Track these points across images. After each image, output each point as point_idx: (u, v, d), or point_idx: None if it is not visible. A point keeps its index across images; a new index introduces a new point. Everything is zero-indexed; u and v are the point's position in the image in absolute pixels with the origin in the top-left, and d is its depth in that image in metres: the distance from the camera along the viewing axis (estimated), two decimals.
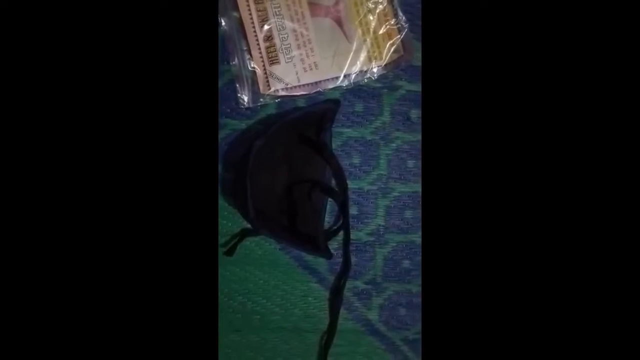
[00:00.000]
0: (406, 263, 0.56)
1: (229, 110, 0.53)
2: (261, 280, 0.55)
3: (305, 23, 0.52)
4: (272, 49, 0.52)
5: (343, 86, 0.53)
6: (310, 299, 0.56)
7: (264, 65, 0.52)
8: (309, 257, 0.55)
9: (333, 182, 0.54)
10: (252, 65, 0.52)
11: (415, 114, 0.54)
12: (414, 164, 0.55)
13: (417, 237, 0.56)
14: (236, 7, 0.51)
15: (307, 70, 0.52)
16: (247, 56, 0.52)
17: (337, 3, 0.52)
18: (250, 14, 0.51)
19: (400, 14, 0.52)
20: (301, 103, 0.53)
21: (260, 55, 0.52)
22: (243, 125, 0.53)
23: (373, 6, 0.52)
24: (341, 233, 0.54)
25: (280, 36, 0.52)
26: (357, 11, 0.52)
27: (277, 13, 0.51)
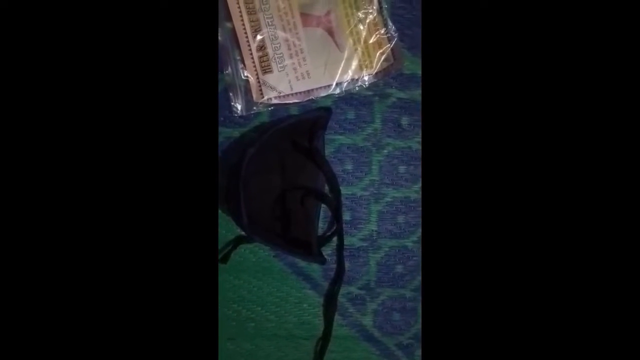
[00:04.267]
0: (399, 268, 0.56)
1: (222, 118, 0.53)
2: (255, 288, 0.55)
3: (297, 33, 0.53)
4: (264, 58, 0.53)
5: (335, 94, 0.54)
6: (304, 305, 0.56)
7: (257, 74, 0.53)
8: (303, 264, 0.56)
9: (326, 189, 0.55)
10: (245, 74, 0.53)
11: (406, 120, 0.55)
12: (405, 170, 0.56)
13: (409, 242, 0.56)
14: (229, 18, 0.52)
15: (299, 79, 0.53)
16: (241, 65, 0.52)
17: (328, 13, 0.53)
18: (243, 24, 0.52)
19: (390, 23, 0.53)
20: (294, 111, 0.54)
21: (253, 64, 0.52)
22: (236, 133, 0.54)
23: (363, 16, 0.53)
24: (335, 239, 0.54)
25: (273, 46, 0.53)
26: (348, 21, 0.53)
27: (270, 23, 0.52)
